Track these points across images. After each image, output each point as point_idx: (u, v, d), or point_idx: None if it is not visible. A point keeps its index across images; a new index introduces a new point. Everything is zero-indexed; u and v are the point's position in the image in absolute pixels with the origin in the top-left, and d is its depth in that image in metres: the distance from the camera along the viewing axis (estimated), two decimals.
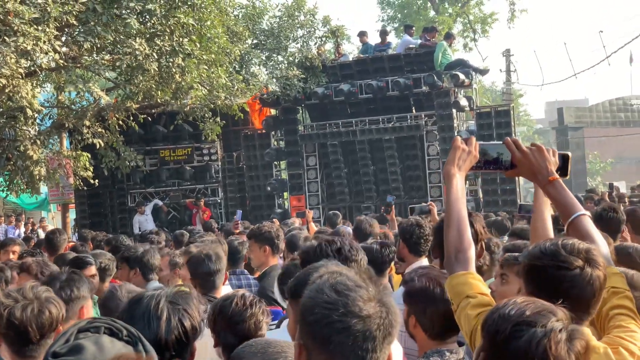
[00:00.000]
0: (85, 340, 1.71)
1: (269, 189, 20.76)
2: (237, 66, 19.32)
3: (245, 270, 6.45)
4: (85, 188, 18.42)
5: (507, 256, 4.05)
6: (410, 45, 20.04)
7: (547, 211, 3.26)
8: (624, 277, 2.66)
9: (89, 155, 17.32)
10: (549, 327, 1.92)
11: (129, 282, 5.15)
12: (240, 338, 3.26)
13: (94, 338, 1.74)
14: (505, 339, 1.94)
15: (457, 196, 2.83)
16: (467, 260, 2.72)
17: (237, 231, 9.68)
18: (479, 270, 3.83)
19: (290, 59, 20.24)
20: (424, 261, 5.06)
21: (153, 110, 18.86)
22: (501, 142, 2.93)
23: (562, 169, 2.95)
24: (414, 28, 22.06)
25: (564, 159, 2.99)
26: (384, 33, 21.74)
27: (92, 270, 5.69)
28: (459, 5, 41.54)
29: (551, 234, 3.17)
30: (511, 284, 3.78)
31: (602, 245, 2.70)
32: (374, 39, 22.09)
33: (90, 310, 3.93)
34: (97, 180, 17.68)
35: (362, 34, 21.31)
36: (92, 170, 17.21)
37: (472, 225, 3.77)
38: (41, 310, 3.20)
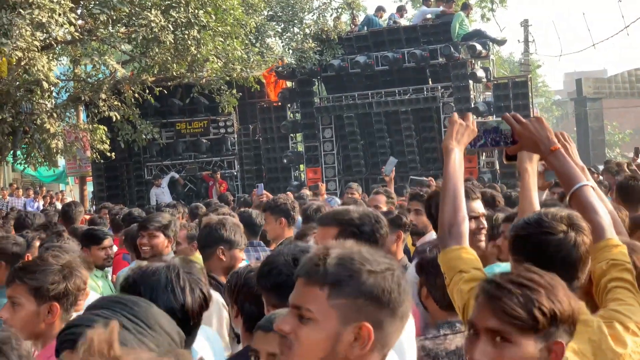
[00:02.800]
0: None
1: (285, 161, 20.76)
2: (252, 38, 19.25)
3: (262, 242, 6.45)
4: (102, 161, 18.51)
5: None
6: (428, 16, 19.87)
7: (534, 192, 3.26)
8: (625, 249, 2.62)
9: (106, 129, 17.36)
10: None
11: None
12: (263, 309, 3.26)
13: None
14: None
15: (454, 169, 2.82)
16: (460, 234, 2.71)
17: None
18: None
19: (307, 30, 20.14)
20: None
21: (169, 83, 18.86)
22: (499, 119, 2.93)
23: None
24: (406, 10, 21.71)
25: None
26: (401, 9, 21.55)
27: (107, 242, 5.75)
28: None
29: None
30: None
31: (604, 216, 2.66)
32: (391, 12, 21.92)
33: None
34: (113, 153, 17.75)
35: (379, 9, 21.11)
36: (109, 143, 17.28)
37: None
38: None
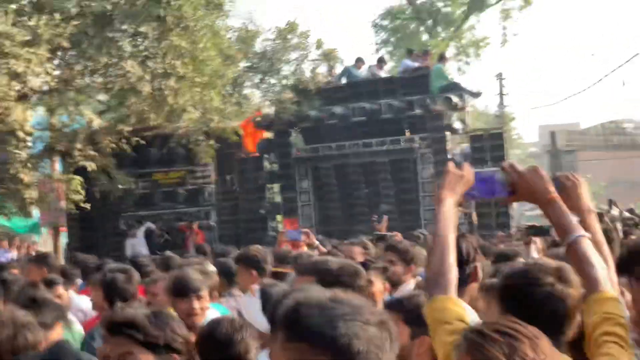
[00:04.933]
0: None
1: (262, 212, 20.69)
2: (230, 89, 19.33)
3: (241, 292, 6.38)
4: (77, 211, 18.30)
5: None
6: (411, 68, 20.12)
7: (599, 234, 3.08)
8: (619, 302, 2.58)
9: (81, 179, 17.19)
10: None
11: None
12: None
13: None
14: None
15: (445, 218, 2.76)
16: (447, 284, 2.64)
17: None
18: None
19: (284, 81, 20.29)
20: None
21: (146, 133, 18.79)
22: (497, 168, 2.89)
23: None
24: (415, 51, 22.00)
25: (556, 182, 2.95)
26: (381, 61, 21.77)
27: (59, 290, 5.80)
28: (452, 29, 41.74)
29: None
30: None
31: (600, 269, 2.62)
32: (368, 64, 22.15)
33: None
34: (88, 204, 17.55)
35: (359, 60, 21.30)
36: (84, 193, 17.10)
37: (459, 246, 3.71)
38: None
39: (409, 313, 3.36)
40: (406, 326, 3.36)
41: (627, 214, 10.94)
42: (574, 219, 2.76)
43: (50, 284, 5.89)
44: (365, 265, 5.04)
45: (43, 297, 4.13)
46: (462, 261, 3.70)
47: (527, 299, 2.41)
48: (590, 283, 2.54)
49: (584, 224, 2.94)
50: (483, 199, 2.92)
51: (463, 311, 2.61)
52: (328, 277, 3.31)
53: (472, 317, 3.52)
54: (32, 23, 12.32)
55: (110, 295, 5.17)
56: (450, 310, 2.58)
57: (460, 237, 3.74)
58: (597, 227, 2.93)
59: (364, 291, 3.48)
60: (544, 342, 1.94)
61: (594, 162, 46.52)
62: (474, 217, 19.24)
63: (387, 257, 5.91)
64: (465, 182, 2.83)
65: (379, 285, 4.86)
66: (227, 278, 6.43)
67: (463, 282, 3.78)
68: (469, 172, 2.85)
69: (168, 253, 9.97)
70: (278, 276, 5.50)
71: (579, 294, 2.44)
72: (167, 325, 2.92)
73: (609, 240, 5.38)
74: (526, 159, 62.58)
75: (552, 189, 2.80)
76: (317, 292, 1.83)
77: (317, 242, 8.62)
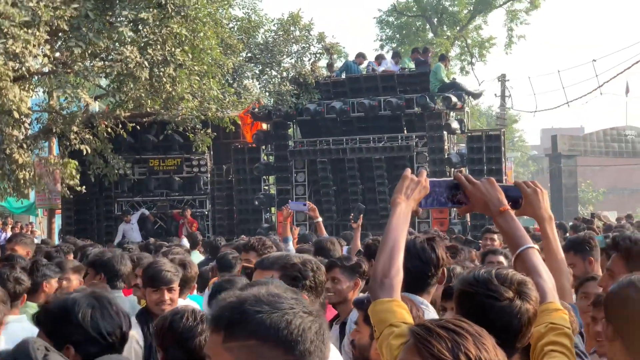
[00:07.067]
0: None
1: (256, 203, 20.68)
2: (229, 79, 19.31)
3: None
4: (71, 196, 18.32)
5: None
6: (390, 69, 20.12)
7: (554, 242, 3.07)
8: (567, 314, 2.60)
9: (77, 163, 17.20)
10: None
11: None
12: (189, 355, 3.19)
13: None
14: None
15: (398, 223, 2.78)
16: (392, 287, 2.66)
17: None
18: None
19: (284, 74, 20.25)
20: None
21: (144, 119, 18.80)
22: (451, 178, 2.91)
23: (515, 203, 2.92)
24: (400, 57, 21.84)
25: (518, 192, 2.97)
26: (379, 57, 21.70)
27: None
28: (457, 28, 41.69)
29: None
30: None
31: (547, 280, 2.65)
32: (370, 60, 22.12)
33: None
34: (83, 187, 17.55)
35: (359, 55, 21.25)
36: (79, 177, 17.11)
37: (433, 250, 3.74)
38: None
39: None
40: (367, 325, 3.38)
41: (614, 223, 10.96)
42: (524, 231, 2.79)
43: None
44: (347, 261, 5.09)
45: None
46: (437, 264, 3.74)
47: (483, 309, 2.42)
48: (538, 294, 2.56)
49: (543, 231, 2.98)
50: (436, 208, 2.94)
51: (407, 313, 2.63)
52: (291, 272, 3.32)
53: (432, 316, 3.55)
54: (32, 4, 12.30)
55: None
56: (395, 313, 2.59)
57: (434, 242, 3.77)
58: (555, 235, 2.96)
59: (324, 286, 3.50)
60: (488, 340, 1.95)
61: (594, 168, 46.49)
62: (468, 219, 19.24)
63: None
64: (421, 189, 2.85)
65: (346, 283, 4.88)
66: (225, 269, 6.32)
67: (433, 284, 3.82)
68: (425, 179, 2.87)
69: (151, 240, 10.02)
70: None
71: (535, 309, 2.46)
72: None
73: (591, 247, 5.45)
74: (527, 161, 62.64)
75: (504, 201, 2.83)
76: (254, 289, 1.83)
77: (320, 218, 8.60)
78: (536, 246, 2.77)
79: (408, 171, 2.89)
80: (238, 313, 1.72)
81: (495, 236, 7.70)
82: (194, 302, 5.29)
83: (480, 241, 9.27)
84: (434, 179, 2.91)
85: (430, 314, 3.55)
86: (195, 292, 6.29)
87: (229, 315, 1.72)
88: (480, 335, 1.95)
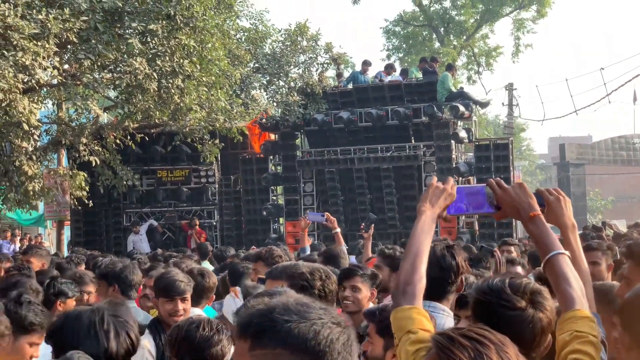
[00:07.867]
0: None
1: (264, 213, 20.70)
2: (237, 89, 19.34)
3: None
4: (79, 207, 18.38)
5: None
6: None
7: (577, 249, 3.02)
8: (592, 321, 2.57)
9: (86, 175, 17.25)
10: None
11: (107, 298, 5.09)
12: None
13: None
14: None
15: (421, 231, 2.78)
16: (414, 294, 2.67)
17: None
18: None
19: (292, 84, 20.28)
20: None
21: (152, 130, 18.86)
22: (483, 184, 2.90)
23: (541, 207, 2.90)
24: (407, 74, 21.80)
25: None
26: (389, 67, 21.71)
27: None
28: (464, 37, 41.70)
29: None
30: None
31: (576, 287, 2.60)
32: (376, 69, 22.16)
33: None
34: (91, 201, 17.61)
35: (365, 63, 21.28)
36: (88, 188, 17.17)
37: (453, 257, 3.74)
38: None
39: (381, 324, 3.37)
40: (379, 337, 3.37)
41: (622, 231, 10.92)
42: (554, 237, 2.76)
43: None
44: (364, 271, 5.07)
45: None
46: (456, 272, 3.73)
47: (496, 317, 2.43)
48: (566, 301, 2.55)
49: (566, 239, 2.94)
50: (470, 213, 2.92)
51: (427, 321, 2.63)
52: (300, 282, 3.33)
53: (451, 323, 3.55)
54: (41, 17, 12.35)
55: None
56: (414, 320, 2.59)
57: (453, 249, 3.76)
58: (578, 243, 2.93)
59: (335, 295, 3.50)
60: (511, 349, 1.95)
61: (603, 176, 46.34)
62: (476, 228, 19.23)
63: (376, 263, 5.92)
64: (447, 196, 2.85)
65: (365, 292, 4.86)
66: (234, 279, 6.31)
67: (452, 291, 3.82)
68: (452, 186, 2.87)
69: (159, 251, 10.03)
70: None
71: (549, 319, 2.44)
72: None
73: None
74: (535, 170, 62.46)
75: (536, 206, 2.81)
76: (283, 297, 1.83)
77: (338, 229, 8.58)
78: (567, 252, 2.75)
79: (434, 179, 2.91)
80: (267, 321, 1.71)
81: (512, 248, 7.70)
82: (202, 312, 5.29)
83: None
84: (462, 186, 2.91)
85: (450, 321, 3.55)
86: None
87: (258, 322, 1.72)
88: (503, 344, 1.94)
